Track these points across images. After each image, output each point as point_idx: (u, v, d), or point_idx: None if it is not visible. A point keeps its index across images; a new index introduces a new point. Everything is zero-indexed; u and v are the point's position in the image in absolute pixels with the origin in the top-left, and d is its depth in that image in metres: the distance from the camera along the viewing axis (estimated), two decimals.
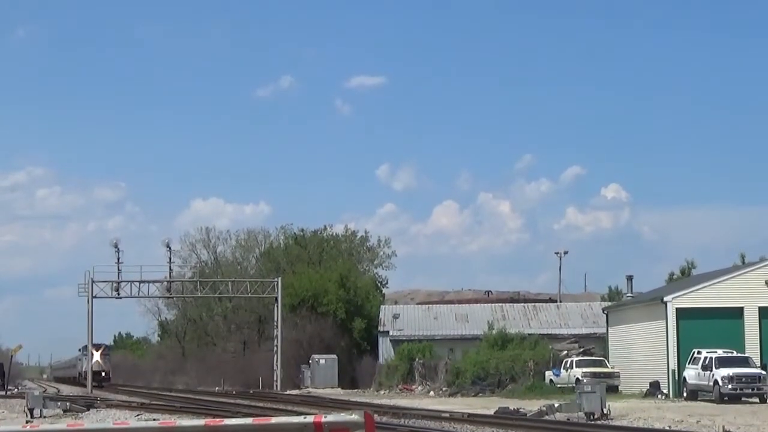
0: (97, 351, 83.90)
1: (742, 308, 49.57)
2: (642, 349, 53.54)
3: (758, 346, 48.83)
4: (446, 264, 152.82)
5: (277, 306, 73.22)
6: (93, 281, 71.03)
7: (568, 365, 55.59)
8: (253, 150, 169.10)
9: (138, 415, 36.87)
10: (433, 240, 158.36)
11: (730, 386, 42.03)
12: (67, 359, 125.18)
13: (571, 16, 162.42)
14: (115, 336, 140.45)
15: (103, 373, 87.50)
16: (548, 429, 29.65)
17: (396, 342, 72.22)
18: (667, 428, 29.12)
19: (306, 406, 40.11)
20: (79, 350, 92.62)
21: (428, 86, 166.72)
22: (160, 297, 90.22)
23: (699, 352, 45.15)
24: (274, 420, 15.38)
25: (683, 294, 50.89)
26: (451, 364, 63.37)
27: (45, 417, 38.36)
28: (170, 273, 75.70)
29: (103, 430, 17.22)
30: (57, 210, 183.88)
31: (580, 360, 56.20)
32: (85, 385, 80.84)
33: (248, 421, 15.48)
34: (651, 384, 49.41)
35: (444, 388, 60.44)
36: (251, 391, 64.46)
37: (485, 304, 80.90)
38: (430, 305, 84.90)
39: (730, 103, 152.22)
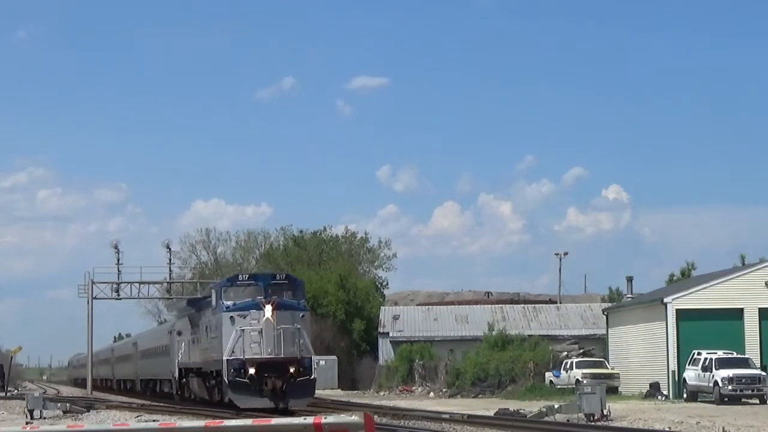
0: (268, 304, 34.99)
1: (742, 309, 49.55)
2: (642, 350, 53.51)
3: (758, 348, 48.83)
4: (447, 265, 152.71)
5: None
6: (93, 282, 70.95)
7: (568, 366, 55.58)
8: (254, 151, 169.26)
9: (138, 416, 36.82)
10: (434, 241, 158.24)
11: (730, 387, 42.04)
12: (120, 344, 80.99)
13: (572, 17, 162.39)
14: (115, 337, 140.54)
15: (292, 369, 34.75)
16: (548, 430, 29.64)
17: (396, 343, 72.18)
18: (667, 429, 29.10)
19: (306, 407, 40.06)
20: (184, 309, 47.27)
21: (429, 87, 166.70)
22: (160, 298, 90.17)
23: (699, 354, 45.15)
24: (273, 421, 15.39)
25: (683, 295, 50.86)
26: (451, 365, 63.35)
27: (45, 418, 38.33)
28: (170, 274, 75.65)
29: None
30: (58, 211, 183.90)
31: (580, 361, 56.18)
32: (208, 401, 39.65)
33: (248, 422, 15.48)
34: (651, 385, 49.38)
35: (444, 390, 60.42)
36: None
37: (485, 306, 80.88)
38: (430, 306, 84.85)
39: (731, 104, 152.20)
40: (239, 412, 33.75)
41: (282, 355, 34.94)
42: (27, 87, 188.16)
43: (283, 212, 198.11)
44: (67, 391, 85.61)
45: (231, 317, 35.66)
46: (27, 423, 33.10)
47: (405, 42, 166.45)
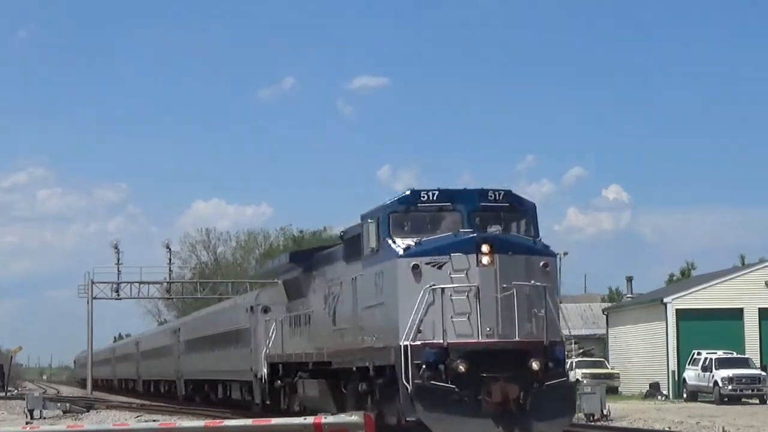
0: (485, 243, 19.80)
1: (741, 309, 49.60)
2: (642, 350, 53.54)
3: (758, 347, 48.89)
4: None
5: None
6: (93, 282, 70.99)
7: (568, 366, 55.59)
8: (254, 151, 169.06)
9: (138, 416, 36.82)
10: None
11: (729, 387, 42.09)
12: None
13: (573, 17, 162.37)
14: (115, 337, 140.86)
15: (535, 365, 19.62)
16: None
17: None
18: (667, 429, 29.10)
19: None
20: (278, 271, 31.07)
21: (429, 87, 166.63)
22: (159, 298, 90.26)
23: (699, 353, 45.18)
24: (273, 421, 15.41)
25: (683, 295, 50.90)
26: None
27: (45, 418, 38.31)
28: (170, 274, 75.74)
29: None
30: (58, 211, 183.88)
31: (580, 361, 56.17)
32: None
33: (248, 422, 15.51)
34: (651, 385, 49.41)
35: None
36: None
37: None
38: None
39: (731, 104, 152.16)
40: None
41: (515, 338, 19.75)
42: (27, 87, 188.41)
43: (283, 212, 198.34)
44: (68, 391, 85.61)
45: (414, 266, 19.97)
46: (27, 423, 33.09)
47: (405, 42, 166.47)
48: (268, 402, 30.95)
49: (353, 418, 13.84)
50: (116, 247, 72.58)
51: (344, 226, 24.25)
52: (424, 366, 19.41)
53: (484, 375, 19.32)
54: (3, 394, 63.49)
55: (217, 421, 16.85)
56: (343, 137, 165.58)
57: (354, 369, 22.53)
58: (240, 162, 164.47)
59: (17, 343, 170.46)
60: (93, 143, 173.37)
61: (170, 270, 75.67)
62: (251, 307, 34.76)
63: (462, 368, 19.27)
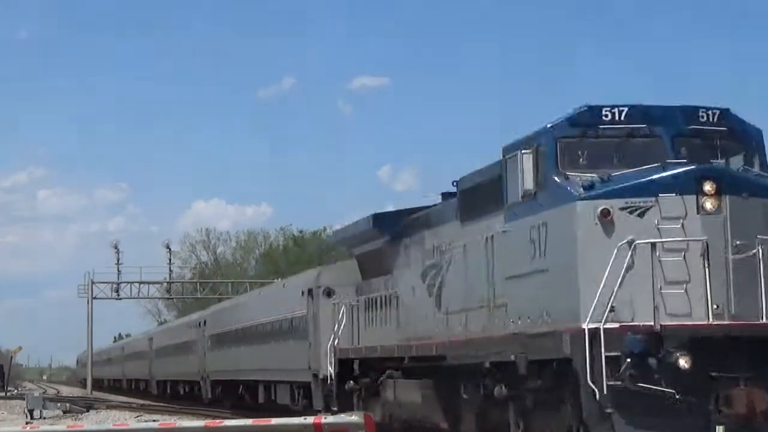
0: (707, 181, 13.49)
1: None
2: None
3: None
4: None
5: None
6: (93, 282, 71.02)
7: None
8: (254, 151, 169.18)
9: (138, 416, 36.81)
10: None
11: None
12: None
13: (573, 17, 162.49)
14: (115, 337, 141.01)
15: None
16: None
17: None
18: None
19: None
20: (351, 240, 25.46)
21: (430, 87, 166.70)
22: (159, 298, 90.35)
23: None
24: (274, 421, 15.40)
25: None
26: None
27: (45, 418, 38.30)
28: (170, 274, 75.85)
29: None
30: (58, 211, 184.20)
31: None
32: None
33: (248, 422, 15.50)
34: None
35: None
36: None
37: None
38: None
39: (731, 103, 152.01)
40: None
41: (763, 320, 13.55)
42: (27, 87, 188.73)
43: (283, 212, 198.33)
44: (68, 391, 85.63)
45: (603, 212, 13.64)
46: (27, 423, 33.05)
47: (405, 42, 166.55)
48: (335, 409, 23.58)
49: (353, 418, 13.82)
50: (116, 247, 72.71)
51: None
52: (628, 360, 13.11)
53: (716, 374, 13.27)
54: (3, 394, 63.47)
55: (217, 421, 16.85)
56: (343, 137, 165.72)
57: (487, 365, 16.12)
58: (240, 162, 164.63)
59: (17, 343, 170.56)
60: (93, 143, 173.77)
61: (170, 270, 75.88)
62: (309, 290, 27.88)
63: (685, 364, 13.08)
